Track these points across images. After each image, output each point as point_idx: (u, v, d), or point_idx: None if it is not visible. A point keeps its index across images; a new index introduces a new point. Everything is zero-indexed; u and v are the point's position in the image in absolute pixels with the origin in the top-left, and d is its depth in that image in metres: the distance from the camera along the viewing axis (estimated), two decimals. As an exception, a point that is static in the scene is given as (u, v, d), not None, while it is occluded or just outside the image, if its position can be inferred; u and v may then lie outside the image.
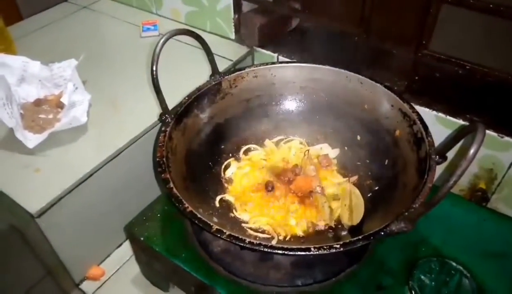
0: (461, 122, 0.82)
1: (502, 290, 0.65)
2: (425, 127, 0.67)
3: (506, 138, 0.78)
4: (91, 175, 0.75)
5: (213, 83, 0.79)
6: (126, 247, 0.87)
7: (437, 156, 0.62)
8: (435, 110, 0.84)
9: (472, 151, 0.46)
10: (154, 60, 0.66)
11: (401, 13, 0.84)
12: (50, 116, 0.83)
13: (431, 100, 0.85)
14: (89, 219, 0.79)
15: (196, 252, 0.70)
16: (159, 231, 0.73)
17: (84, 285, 0.82)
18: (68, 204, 0.73)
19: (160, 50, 0.66)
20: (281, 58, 1.03)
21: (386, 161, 0.73)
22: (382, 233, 0.53)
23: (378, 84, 0.76)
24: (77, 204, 0.75)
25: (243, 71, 0.82)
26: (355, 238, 0.53)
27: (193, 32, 0.73)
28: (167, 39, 0.66)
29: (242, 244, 0.54)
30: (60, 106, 0.84)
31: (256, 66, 0.83)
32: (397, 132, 0.73)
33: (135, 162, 0.83)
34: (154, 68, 0.66)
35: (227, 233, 0.54)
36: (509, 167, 0.82)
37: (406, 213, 0.54)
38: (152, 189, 0.86)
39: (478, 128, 0.48)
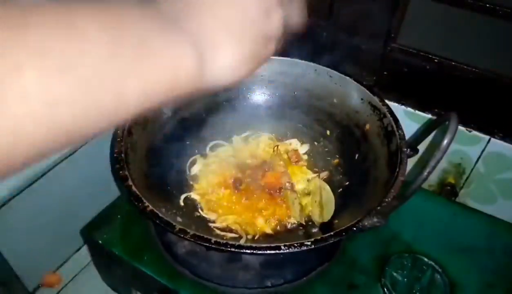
0: (429, 116, 0.82)
1: (473, 284, 0.65)
2: (396, 120, 0.66)
3: (474, 132, 0.78)
4: (43, 174, 0.70)
5: (177, 75, 0.75)
6: (84, 251, 0.82)
7: (408, 149, 0.61)
8: (404, 105, 0.83)
9: (446, 141, 0.45)
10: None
11: (370, 6, 0.83)
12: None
13: (400, 95, 0.84)
14: (43, 222, 0.74)
15: (159, 255, 0.66)
16: (119, 233, 0.69)
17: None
18: (18, 206, 0.68)
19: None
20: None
21: (356, 155, 0.72)
22: (355, 228, 0.51)
23: (348, 77, 0.75)
24: (28, 206, 0.70)
25: (209, 63, 0.78)
26: (326, 235, 0.51)
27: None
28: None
29: (207, 244, 0.50)
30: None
31: (223, 58, 0.79)
32: (367, 126, 0.71)
33: (92, 159, 0.79)
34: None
35: (191, 233, 0.51)
36: (476, 162, 0.82)
37: (379, 208, 0.52)
38: (111, 189, 0.81)
39: (451, 117, 0.47)
